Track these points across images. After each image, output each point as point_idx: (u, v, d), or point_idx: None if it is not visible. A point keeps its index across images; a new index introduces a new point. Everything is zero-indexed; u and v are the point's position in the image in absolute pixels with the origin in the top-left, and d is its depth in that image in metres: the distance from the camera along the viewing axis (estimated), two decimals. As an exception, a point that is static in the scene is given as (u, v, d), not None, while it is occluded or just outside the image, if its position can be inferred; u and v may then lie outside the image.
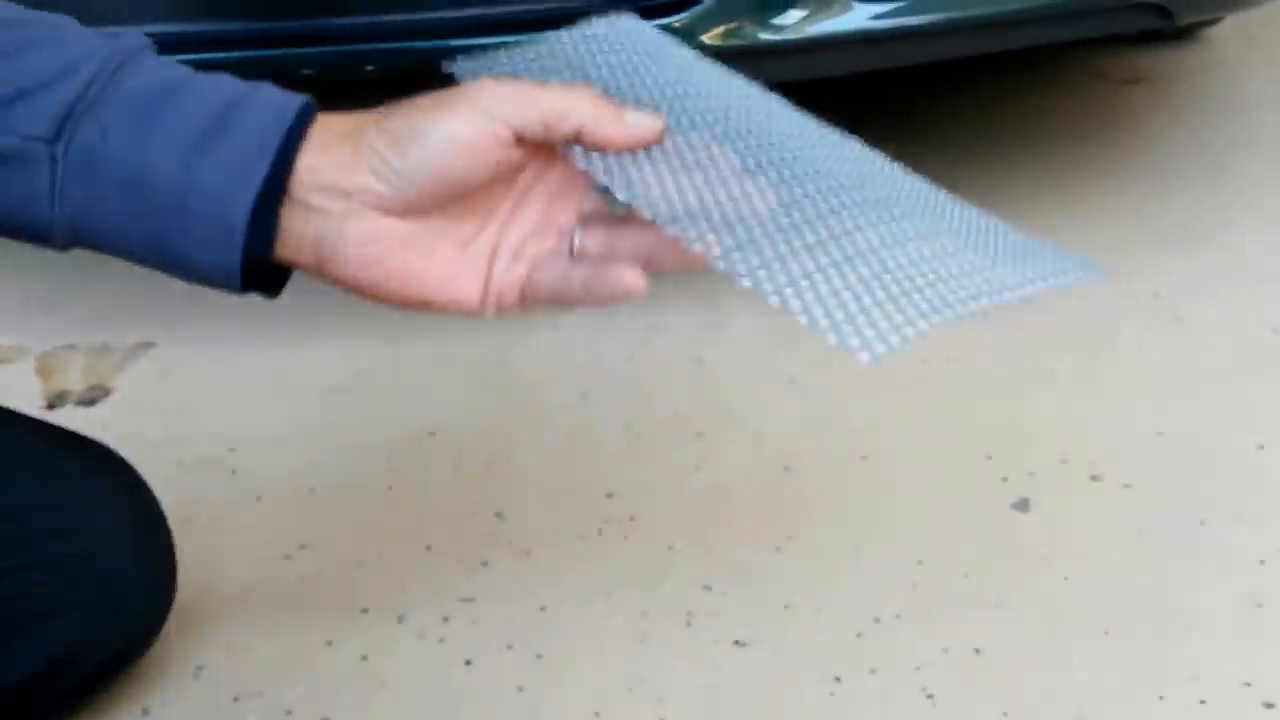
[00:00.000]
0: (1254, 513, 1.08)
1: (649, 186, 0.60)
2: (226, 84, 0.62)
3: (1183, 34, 1.93)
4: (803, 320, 0.56)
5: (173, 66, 0.62)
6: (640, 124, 0.62)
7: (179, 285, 0.65)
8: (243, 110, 0.61)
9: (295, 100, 0.61)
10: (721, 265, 0.57)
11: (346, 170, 0.60)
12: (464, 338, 1.38)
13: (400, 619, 1.01)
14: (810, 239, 0.60)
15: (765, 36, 1.24)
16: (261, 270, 0.63)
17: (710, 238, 0.58)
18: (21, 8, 0.64)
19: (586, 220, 0.66)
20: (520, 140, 0.61)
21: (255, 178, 0.60)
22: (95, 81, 0.60)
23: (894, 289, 0.59)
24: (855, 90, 1.80)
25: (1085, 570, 1.03)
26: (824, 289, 0.57)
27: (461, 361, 1.35)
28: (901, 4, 1.23)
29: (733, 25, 1.24)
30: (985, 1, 1.26)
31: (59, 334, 1.46)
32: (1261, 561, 1.03)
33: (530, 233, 0.66)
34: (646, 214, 0.59)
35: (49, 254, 0.64)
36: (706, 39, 1.23)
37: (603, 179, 0.61)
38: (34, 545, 0.82)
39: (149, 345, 1.43)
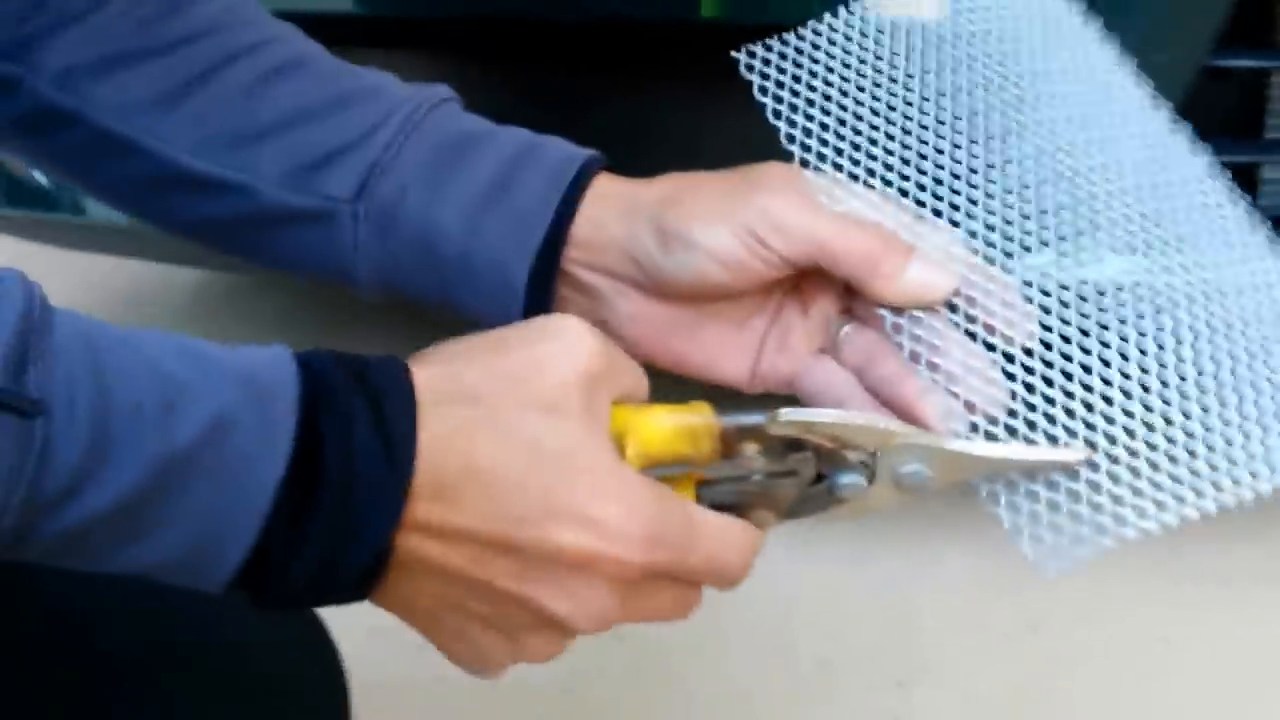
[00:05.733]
0: None
1: (929, 346, 0.55)
2: (516, 138, 0.62)
3: None
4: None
5: (469, 119, 0.64)
6: (921, 286, 0.55)
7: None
8: (526, 168, 0.61)
9: (578, 156, 0.62)
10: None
11: (614, 252, 0.60)
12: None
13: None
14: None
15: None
16: None
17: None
18: (340, 61, 0.65)
19: (854, 314, 0.60)
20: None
21: (532, 241, 0.60)
22: (397, 139, 0.62)
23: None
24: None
25: None
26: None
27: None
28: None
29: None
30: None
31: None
32: None
33: (797, 322, 0.61)
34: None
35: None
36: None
37: (888, 329, 0.55)
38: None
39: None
